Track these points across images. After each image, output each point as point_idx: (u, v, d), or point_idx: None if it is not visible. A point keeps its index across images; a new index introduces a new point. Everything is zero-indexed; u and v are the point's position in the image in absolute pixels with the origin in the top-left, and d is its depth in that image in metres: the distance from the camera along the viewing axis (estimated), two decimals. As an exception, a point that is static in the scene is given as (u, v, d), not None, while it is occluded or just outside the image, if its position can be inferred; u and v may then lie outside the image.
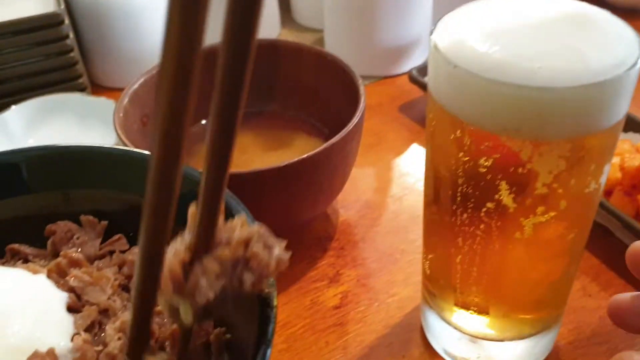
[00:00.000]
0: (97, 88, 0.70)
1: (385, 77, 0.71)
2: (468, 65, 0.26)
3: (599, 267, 0.46)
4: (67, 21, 0.61)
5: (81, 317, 0.29)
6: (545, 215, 0.29)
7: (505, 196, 0.29)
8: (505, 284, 0.33)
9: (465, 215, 0.31)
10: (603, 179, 0.30)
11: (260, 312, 0.27)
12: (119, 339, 0.27)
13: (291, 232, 0.51)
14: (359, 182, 0.56)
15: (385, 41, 0.68)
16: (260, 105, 0.57)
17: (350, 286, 0.46)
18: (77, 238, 0.36)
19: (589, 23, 0.28)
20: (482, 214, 0.30)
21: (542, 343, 0.38)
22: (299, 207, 0.45)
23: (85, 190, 0.37)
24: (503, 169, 0.28)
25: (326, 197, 0.47)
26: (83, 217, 0.36)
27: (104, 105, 0.61)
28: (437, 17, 0.71)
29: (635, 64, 0.26)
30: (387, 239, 0.51)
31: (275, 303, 0.27)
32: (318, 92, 0.55)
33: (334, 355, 0.42)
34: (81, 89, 0.65)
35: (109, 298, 0.32)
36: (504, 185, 0.28)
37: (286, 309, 0.45)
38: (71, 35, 0.62)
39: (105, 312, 0.31)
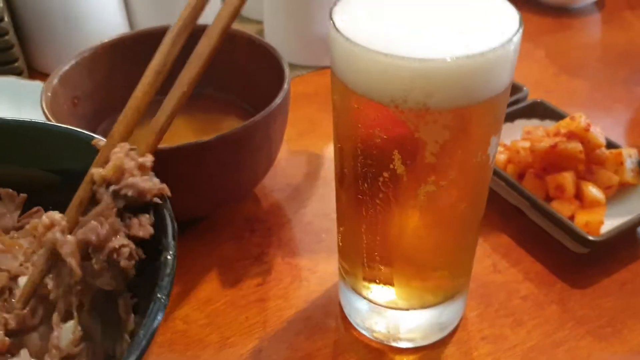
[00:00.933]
0: (34, 72, 0.70)
1: (322, 68, 0.72)
2: (358, 39, 0.28)
3: (509, 245, 0.48)
4: (2, 4, 0.61)
5: (-9, 283, 0.30)
6: (436, 184, 0.31)
7: (399, 165, 0.30)
8: (406, 253, 0.35)
9: (365, 186, 0.33)
10: (491, 151, 0.31)
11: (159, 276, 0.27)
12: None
13: (220, 212, 0.52)
14: (290, 166, 0.58)
15: (322, 33, 0.69)
16: (195, 88, 0.58)
17: (274, 264, 0.48)
18: (-4, 211, 0.36)
19: (472, 2, 0.30)
20: (380, 184, 0.32)
21: (447, 312, 0.40)
22: (222, 186, 0.46)
23: (5, 165, 0.37)
24: (394, 139, 0.29)
25: (250, 178, 0.48)
26: (1, 190, 0.37)
27: (39, 89, 0.61)
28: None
29: (512, 37, 0.27)
30: (314, 220, 0.52)
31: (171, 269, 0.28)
32: (250, 76, 0.56)
33: (253, 328, 0.43)
34: (17, 73, 0.65)
35: (20, 265, 0.32)
36: (397, 155, 0.30)
37: (209, 286, 0.46)
38: (6, 18, 0.62)
39: (16, 279, 0.31)
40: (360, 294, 0.40)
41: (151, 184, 0.30)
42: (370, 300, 0.39)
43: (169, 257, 0.27)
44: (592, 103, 0.67)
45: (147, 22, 0.74)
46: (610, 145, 0.50)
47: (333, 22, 0.30)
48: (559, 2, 0.83)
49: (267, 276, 0.47)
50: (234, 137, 0.42)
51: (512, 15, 0.29)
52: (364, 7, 0.31)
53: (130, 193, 0.29)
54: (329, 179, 0.57)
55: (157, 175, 0.32)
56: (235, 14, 0.33)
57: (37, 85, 0.61)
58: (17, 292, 0.30)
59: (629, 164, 0.49)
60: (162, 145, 0.51)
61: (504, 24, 0.29)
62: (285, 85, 0.47)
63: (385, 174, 0.31)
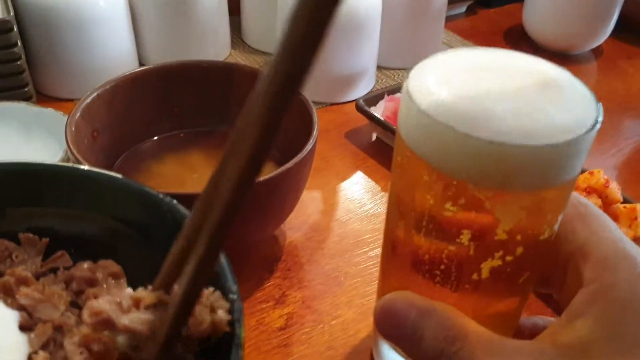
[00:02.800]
0: (41, 97, 0.69)
1: (333, 104, 0.73)
2: (437, 115, 0.28)
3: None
4: (15, 29, 0.60)
5: (36, 335, 0.29)
6: (502, 260, 0.31)
7: (466, 240, 0.30)
8: None
9: (426, 256, 0.32)
10: (557, 227, 0.32)
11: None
12: (82, 353, 0.27)
13: (239, 252, 0.52)
14: (306, 205, 0.58)
15: (334, 71, 0.70)
16: (213, 125, 0.58)
17: (295, 307, 0.48)
18: (16, 257, 0.35)
19: (552, 83, 0.30)
20: (444, 256, 0.31)
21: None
22: (251, 229, 0.46)
23: (25, 208, 0.36)
24: (466, 214, 0.29)
25: (277, 220, 0.48)
26: (22, 235, 0.35)
27: (49, 115, 0.60)
28: (383, 52, 0.76)
29: (593, 126, 0.28)
30: (332, 261, 0.52)
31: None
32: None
33: (278, 375, 0.43)
34: (26, 98, 0.64)
35: (62, 314, 0.31)
36: (466, 229, 0.30)
37: (232, 329, 0.45)
38: (19, 43, 0.61)
39: (60, 329, 0.30)
40: (401, 354, 0.39)
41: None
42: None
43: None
44: (596, 152, 0.69)
45: (156, 52, 0.74)
46: (624, 200, 0.52)
47: (409, 93, 0.29)
48: (558, 48, 0.85)
49: (289, 320, 0.47)
50: (269, 183, 0.42)
51: (589, 101, 0.29)
52: (439, 80, 0.30)
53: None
54: (344, 219, 0.57)
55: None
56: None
57: (47, 111, 0.60)
58: (67, 343, 0.29)
59: (641, 218, 0.50)
60: (189, 188, 0.52)
61: (582, 110, 0.29)
62: (315, 132, 0.47)
63: (452, 247, 0.31)
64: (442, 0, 0.78)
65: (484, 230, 0.29)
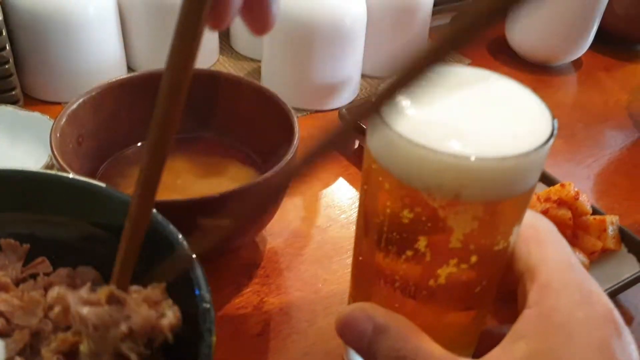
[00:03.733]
0: (29, 100, 0.69)
1: (317, 111, 0.74)
2: (399, 127, 0.29)
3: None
4: (4, 32, 0.61)
5: (13, 341, 0.30)
6: (457, 267, 0.32)
7: (423, 247, 0.32)
8: (419, 326, 0.37)
9: (387, 260, 0.34)
10: (512, 239, 0.33)
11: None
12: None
13: (219, 258, 0.53)
14: (287, 211, 0.59)
15: (319, 78, 0.72)
16: (197, 132, 0.59)
17: (273, 314, 0.49)
18: (-4, 262, 0.36)
19: (512, 100, 0.32)
20: (402, 260, 0.33)
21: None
22: (232, 236, 0.47)
23: (7, 214, 0.36)
24: (423, 222, 0.31)
25: (257, 226, 0.50)
26: (3, 241, 0.36)
27: (36, 119, 0.61)
28: (368, 61, 0.77)
29: (546, 142, 0.29)
30: (312, 268, 0.53)
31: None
32: (254, 123, 0.57)
33: (254, 379, 0.44)
34: (14, 102, 0.65)
35: (40, 321, 0.32)
36: (422, 236, 0.31)
37: (211, 334, 0.46)
38: (8, 46, 0.62)
39: (37, 335, 0.31)
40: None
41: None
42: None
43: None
44: (573, 162, 0.71)
45: (145, 57, 0.75)
46: (594, 211, 0.53)
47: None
48: (539, 60, 0.87)
49: (267, 327, 0.48)
50: (250, 189, 0.43)
51: (546, 119, 0.31)
52: (407, 95, 0.32)
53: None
54: (325, 226, 0.58)
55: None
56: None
57: (34, 115, 0.61)
58: (44, 350, 0.30)
59: (610, 230, 0.52)
60: (172, 193, 0.53)
61: (537, 127, 0.30)
62: (296, 141, 0.48)
63: (409, 252, 0.32)
64: (427, 11, 0.79)
65: (439, 238, 0.31)
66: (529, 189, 0.31)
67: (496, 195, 0.30)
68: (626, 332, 0.29)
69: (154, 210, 0.34)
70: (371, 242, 0.35)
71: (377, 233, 0.34)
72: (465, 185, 0.29)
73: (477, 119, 0.31)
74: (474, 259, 0.32)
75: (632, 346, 0.28)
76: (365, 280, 0.38)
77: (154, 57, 0.74)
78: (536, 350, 0.28)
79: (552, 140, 0.30)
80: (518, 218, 0.32)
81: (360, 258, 0.37)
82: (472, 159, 0.28)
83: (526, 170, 0.30)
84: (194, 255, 0.31)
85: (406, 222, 0.31)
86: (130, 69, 0.76)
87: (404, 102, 0.31)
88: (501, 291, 0.36)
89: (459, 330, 0.37)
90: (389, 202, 0.32)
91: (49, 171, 0.38)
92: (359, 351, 0.31)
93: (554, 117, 0.31)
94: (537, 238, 0.32)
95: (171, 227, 0.33)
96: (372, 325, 0.31)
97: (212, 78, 0.58)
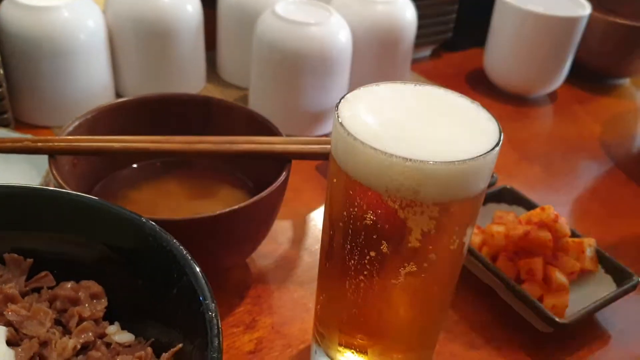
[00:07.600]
0: (19, 124, 0.70)
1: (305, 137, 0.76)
2: (359, 134, 0.33)
3: (485, 323, 0.52)
4: (-2, 57, 0.62)
5: (23, 350, 0.30)
6: (418, 265, 0.35)
7: (385, 247, 0.35)
8: (382, 325, 0.39)
9: (352, 262, 0.37)
10: (466, 239, 0.37)
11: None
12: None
13: (212, 278, 0.54)
14: (277, 234, 0.60)
15: (307, 106, 0.74)
16: (189, 155, 0.60)
17: (265, 332, 0.50)
18: (0, 276, 0.36)
19: (466, 115, 0.36)
20: (366, 262, 0.36)
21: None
22: (225, 255, 0.48)
23: (9, 230, 0.37)
24: (384, 223, 0.34)
25: (249, 248, 0.51)
26: (7, 256, 0.37)
27: (28, 142, 0.61)
28: (352, 89, 0.79)
29: (492, 149, 0.33)
30: (301, 288, 0.55)
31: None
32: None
33: (247, 397, 0.44)
34: (5, 125, 0.65)
35: (47, 330, 0.33)
36: (384, 238, 0.34)
37: (204, 352, 0.47)
38: (1, 71, 0.63)
39: (45, 345, 0.32)
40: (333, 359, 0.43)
41: None
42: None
43: None
44: (551, 189, 0.74)
45: (133, 84, 0.77)
46: (573, 234, 0.56)
47: (338, 116, 0.35)
48: (516, 92, 0.91)
49: (259, 344, 0.49)
50: (242, 212, 0.44)
51: (494, 128, 0.35)
52: (367, 104, 0.36)
53: None
54: (313, 248, 0.60)
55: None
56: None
57: (25, 138, 0.61)
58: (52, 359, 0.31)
59: (588, 252, 0.54)
60: (164, 213, 0.54)
61: (485, 135, 0.34)
62: (288, 165, 0.50)
63: (372, 253, 0.35)
64: (409, 43, 0.83)
65: (400, 238, 0.34)
66: (480, 192, 0.35)
67: (449, 197, 0.33)
68: None
69: (158, 227, 0.35)
70: (338, 247, 0.37)
71: (343, 237, 0.36)
72: (420, 187, 0.32)
73: (433, 130, 0.35)
74: (432, 257, 0.35)
75: None
76: (331, 285, 0.40)
77: (142, 84, 0.76)
78: None
79: (498, 148, 0.33)
80: (471, 219, 0.36)
81: (328, 260, 0.40)
82: (430, 162, 0.31)
83: (477, 174, 0.33)
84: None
85: (369, 223, 0.34)
86: (118, 95, 0.77)
87: (362, 109, 0.35)
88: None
89: (418, 330, 0.40)
90: (353, 206, 0.35)
91: (51, 188, 0.39)
92: None
93: (501, 130, 0.35)
94: None
95: (175, 242, 0.34)
96: None
97: (205, 104, 0.59)
